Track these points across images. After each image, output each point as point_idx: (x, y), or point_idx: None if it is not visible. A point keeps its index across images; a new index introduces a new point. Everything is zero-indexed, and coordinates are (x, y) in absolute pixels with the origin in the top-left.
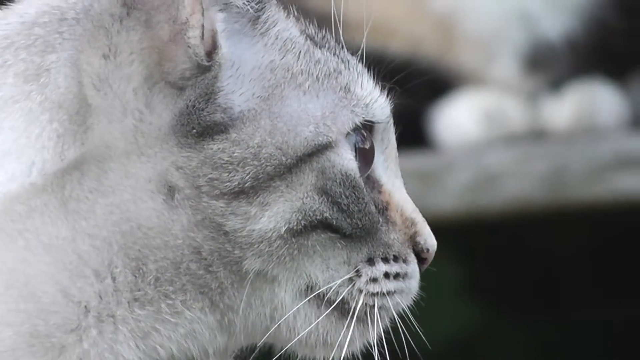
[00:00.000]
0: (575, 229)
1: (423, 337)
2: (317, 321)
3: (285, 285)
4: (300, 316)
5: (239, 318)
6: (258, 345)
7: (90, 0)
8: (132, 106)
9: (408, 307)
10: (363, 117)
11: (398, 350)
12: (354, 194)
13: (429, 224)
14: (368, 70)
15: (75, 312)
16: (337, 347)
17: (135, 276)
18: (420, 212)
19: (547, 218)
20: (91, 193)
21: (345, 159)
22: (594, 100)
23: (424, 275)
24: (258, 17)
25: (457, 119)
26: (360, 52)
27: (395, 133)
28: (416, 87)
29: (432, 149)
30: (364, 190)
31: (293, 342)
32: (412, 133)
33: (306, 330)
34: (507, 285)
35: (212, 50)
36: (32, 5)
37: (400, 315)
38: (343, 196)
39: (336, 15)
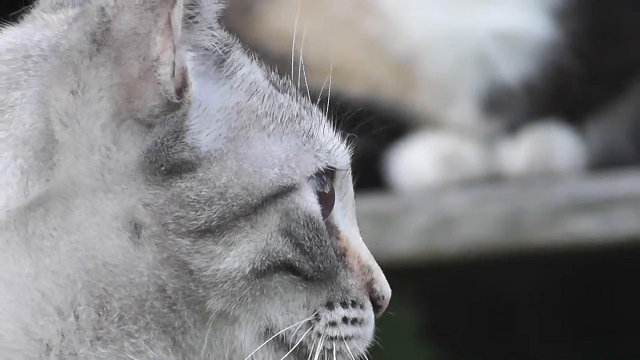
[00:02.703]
0: (531, 272)
1: None
2: None
3: (245, 327)
4: (258, 359)
5: (198, 359)
6: None
7: (58, 37)
8: (100, 142)
9: (365, 352)
10: (326, 163)
11: None
12: (317, 236)
13: (386, 266)
14: (327, 114)
15: (37, 350)
16: None
17: (99, 314)
18: (377, 254)
19: (503, 261)
20: (55, 230)
21: (309, 201)
22: (550, 144)
23: (382, 317)
24: (224, 60)
25: (414, 162)
26: (319, 94)
27: (353, 175)
28: (374, 130)
29: (389, 191)
30: (326, 233)
31: None
32: (370, 176)
33: None
34: (465, 327)
35: (182, 88)
36: None
37: None
38: (306, 238)
39: (296, 58)
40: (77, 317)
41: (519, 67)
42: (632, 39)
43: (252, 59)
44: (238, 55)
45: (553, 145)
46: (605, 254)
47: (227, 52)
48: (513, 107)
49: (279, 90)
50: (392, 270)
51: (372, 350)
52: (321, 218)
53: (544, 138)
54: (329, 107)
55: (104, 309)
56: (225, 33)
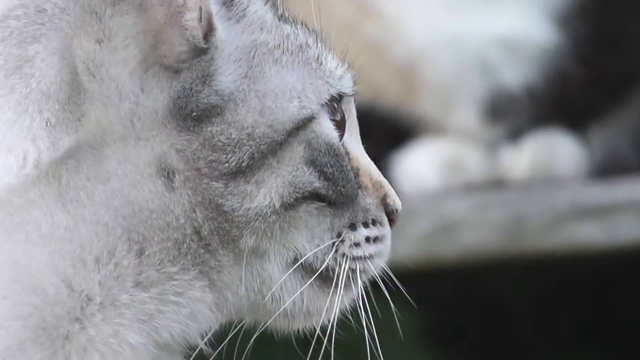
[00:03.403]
0: (533, 278)
1: None
2: (301, 289)
3: (274, 259)
4: (286, 287)
5: (232, 294)
6: (240, 322)
7: None
8: (128, 90)
9: (369, 353)
10: (337, 89)
11: None
12: (338, 162)
13: (390, 269)
14: None
15: (79, 300)
16: (317, 314)
17: (140, 259)
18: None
19: (505, 266)
20: (89, 180)
21: (327, 128)
22: (552, 150)
23: (384, 321)
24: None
25: (416, 167)
26: None
27: None
28: (376, 135)
29: None
30: (346, 157)
31: (277, 313)
32: None
33: (291, 299)
34: (466, 333)
35: (208, 33)
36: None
37: None
38: (329, 165)
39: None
40: (116, 265)
41: (522, 72)
42: (635, 45)
43: None
44: None
45: (555, 152)
46: (607, 260)
47: None
48: (515, 113)
49: (282, 21)
50: (395, 275)
51: (374, 355)
52: (339, 143)
53: (546, 144)
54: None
55: (144, 253)
56: None
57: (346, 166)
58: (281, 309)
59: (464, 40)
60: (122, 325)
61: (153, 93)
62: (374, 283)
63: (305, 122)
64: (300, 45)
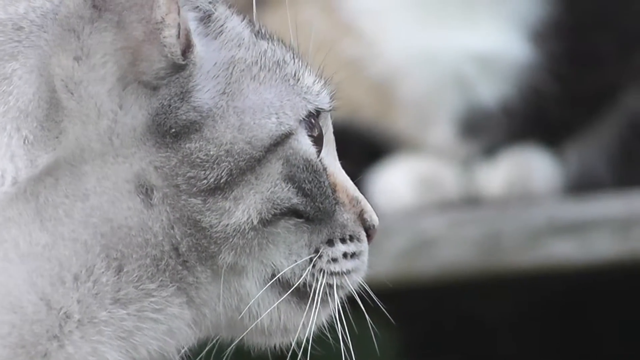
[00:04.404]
0: (509, 294)
1: None
2: (277, 305)
3: (252, 275)
4: (264, 304)
5: (210, 311)
6: (214, 338)
7: (53, 6)
8: (107, 107)
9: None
10: (315, 105)
11: None
12: (316, 178)
13: (368, 286)
14: None
15: (58, 318)
16: (294, 331)
17: (118, 276)
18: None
19: (481, 283)
20: (67, 198)
21: (305, 144)
22: (528, 167)
23: (362, 337)
24: (210, 16)
25: (392, 184)
26: None
27: None
28: (353, 151)
29: None
30: (323, 173)
31: (254, 330)
32: None
33: (268, 316)
34: (443, 348)
35: (186, 49)
36: None
37: None
38: (307, 181)
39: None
40: (95, 282)
41: (497, 89)
42: (609, 62)
43: (232, 11)
44: (222, 10)
45: (531, 168)
46: (582, 276)
47: (214, 8)
48: (491, 130)
49: (259, 37)
50: (373, 292)
51: None
52: (317, 159)
53: (522, 161)
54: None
55: (123, 270)
56: None
57: (324, 182)
58: (258, 325)
59: (440, 57)
60: (100, 343)
61: (132, 110)
62: (351, 299)
63: (283, 139)
64: (278, 62)
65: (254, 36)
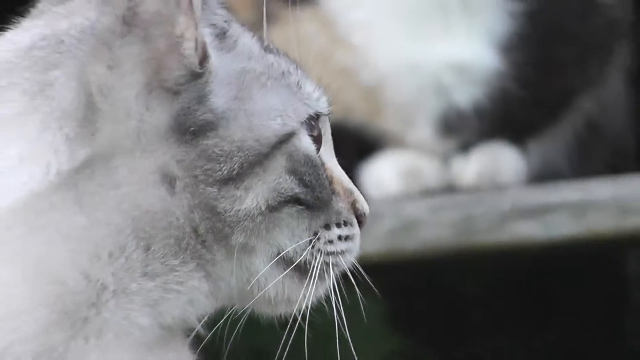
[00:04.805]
0: (482, 269)
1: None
2: (281, 279)
3: (260, 254)
4: (270, 278)
5: (225, 284)
6: (231, 307)
7: (90, 22)
8: (135, 109)
9: (338, 334)
10: (314, 109)
11: None
12: (315, 171)
13: (359, 263)
14: None
15: (95, 289)
16: (296, 302)
17: (146, 254)
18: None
19: (457, 259)
20: (102, 187)
21: (305, 142)
22: (496, 161)
23: (353, 308)
24: (225, 32)
25: (380, 175)
26: None
27: None
28: (346, 147)
29: None
30: (322, 168)
31: (262, 300)
32: None
33: (274, 288)
34: (423, 318)
35: (203, 60)
36: (26, 34)
37: (332, 342)
38: (307, 174)
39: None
40: (127, 258)
41: (470, 94)
42: (567, 71)
43: (244, 28)
44: (236, 27)
45: (499, 162)
46: (544, 253)
47: (229, 25)
48: (465, 129)
49: (267, 51)
50: (362, 268)
51: (343, 337)
52: (317, 155)
53: (491, 155)
54: None
55: (150, 249)
56: (226, 10)
57: (322, 175)
58: (265, 296)
59: (422, 66)
60: (132, 310)
61: (156, 112)
62: (344, 275)
63: (287, 137)
64: (283, 72)
65: (262, 50)
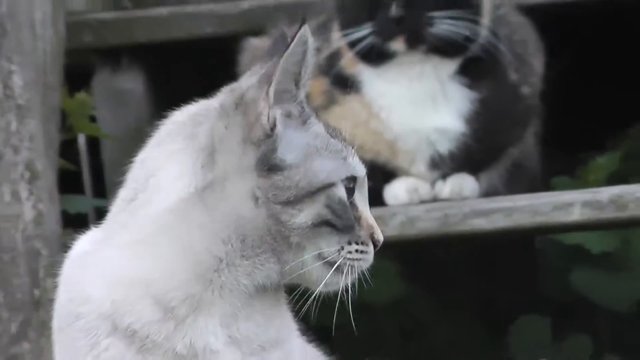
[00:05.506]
0: (456, 247)
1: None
2: (320, 269)
3: (308, 251)
4: (314, 269)
5: (288, 268)
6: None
7: (222, 101)
8: (237, 153)
9: (366, 269)
10: (351, 173)
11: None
12: (343, 208)
13: (381, 246)
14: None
15: (217, 262)
16: (329, 285)
17: (243, 244)
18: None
19: (441, 240)
20: (218, 199)
21: (340, 191)
22: (462, 185)
23: (378, 267)
24: (306, 120)
25: (395, 192)
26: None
27: (376, 199)
28: (376, 176)
29: (384, 206)
30: (348, 207)
31: (309, 282)
32: (375, 200)
33: (315, 275)
34: (422, 274)
35: (273, 127)
36: (199, 104)
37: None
38: (338, 210)
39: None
40: (232, 245)
41: (447, 146)
42: (503, 133)
43: (319, 120)
44: (313, 119)
45: (463, 185)
46: (491, 239)
47: (309, 116)
48: (444, 166)
49: (330, 134)
50: (385, 246)
51: (364, 283)
52: (347, 199)
53: (459, 181)
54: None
55: (245, 241)
56: (305, 106)
57: (348, 212)
58: (311, 279)
59: (420, 130)
60: (238, 275)
61: (248, 155)
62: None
63: (328, 186)
64: (336, 150)
65: (327, 134)
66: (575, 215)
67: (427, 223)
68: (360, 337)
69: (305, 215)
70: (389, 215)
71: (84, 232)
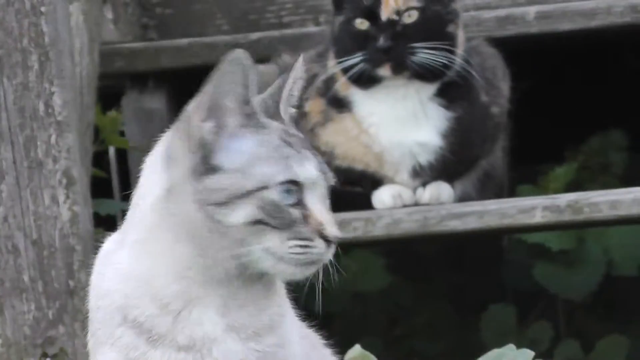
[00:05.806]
0: (433, 244)
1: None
2: (271, 261)
3: (254, 245)
4: (265, 260)
5: (242, 260)
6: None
7: (184, 123)
8: (182, 161)
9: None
10: (291, 177)
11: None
12: (277, 209)
13: (370, 242)
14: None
15: (189, 259)
16: (285, 275)
17: (197, 243)
18: (367, 236)
19: (422, 238)
20: (174, 200)
21: (273, 193)
22: (440, 191)
23: (365, 259)
24: (253, 130)
25: (382, 197)
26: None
27: (364, 202)
28: (365, 184)
29: (372, 209)
30: (284, 208)
31: (269, 272)
32: (365, 204)
33: (267, 265)
34: (405, 266)
35: (203, 137)
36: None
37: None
38: (268, 209)
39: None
40: (193, 244)
41: (427, 158)
42: (475, 147)
43: (297, 130)
44: (267, 129)
45: (441, 191)
46: (463, 236)
47: (258, 126)
48: (424, 175)
49: (287, 144)
50: (373, 244)
51: (343, 274)
52: (279, 200)
53: (437, 188)
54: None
55: (198, 240)
56: (259, 117)
57: (283, 212)
58: (265, 268)
59: (403, 143)
60: (210, 270)
61: (188, 162)
62: (370, 245)
63: (260, 188)
64: (281, 156)
65: (282, 141)
66: (537, 217)
67: (409, 224)
68: (353, 322)
69: (237, 215)
70: (376, 217)
71: (113, 231)
